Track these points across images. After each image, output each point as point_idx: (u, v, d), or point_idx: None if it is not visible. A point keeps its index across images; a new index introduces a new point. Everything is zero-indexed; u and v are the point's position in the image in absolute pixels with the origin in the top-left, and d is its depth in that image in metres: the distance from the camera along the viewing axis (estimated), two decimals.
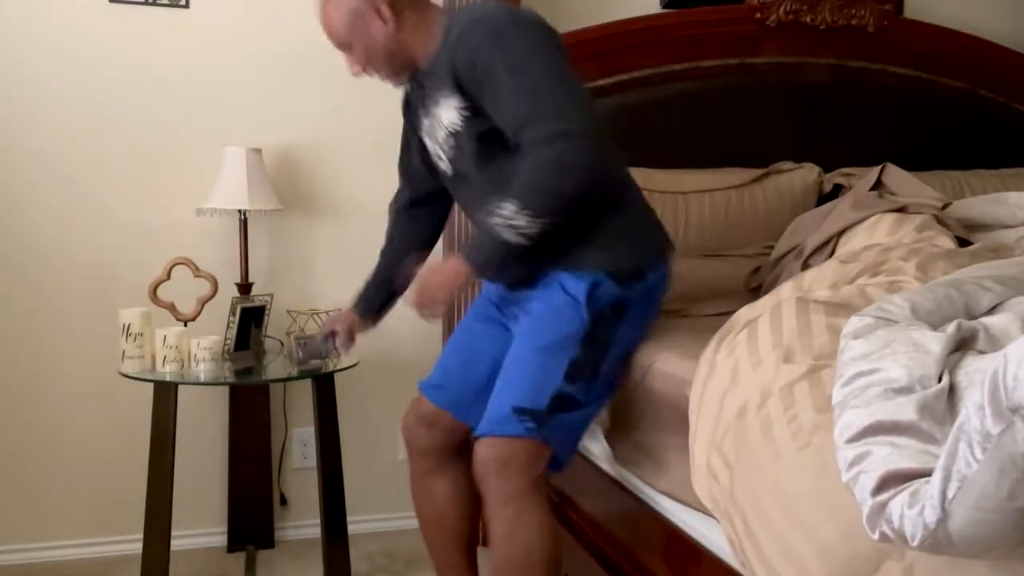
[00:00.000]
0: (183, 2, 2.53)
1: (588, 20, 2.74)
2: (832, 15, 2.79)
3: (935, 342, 1.00)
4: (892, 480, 0.86)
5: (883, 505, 0.85)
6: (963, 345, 1.04)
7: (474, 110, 1.61)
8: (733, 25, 2.75)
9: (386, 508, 2.80)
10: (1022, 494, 0.75)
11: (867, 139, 2.73)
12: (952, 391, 0.95)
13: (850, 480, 0.91)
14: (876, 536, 0.86)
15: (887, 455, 0.89)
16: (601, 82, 2.65)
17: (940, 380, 0.95)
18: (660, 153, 2.52)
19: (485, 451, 1.59)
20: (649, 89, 2.66)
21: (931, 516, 0.80)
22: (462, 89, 1.60)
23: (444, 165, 1.75)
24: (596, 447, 1.94)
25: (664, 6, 2.85)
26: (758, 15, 2.75)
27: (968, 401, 0.78)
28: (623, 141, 2.57)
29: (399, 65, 1.70)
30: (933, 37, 2.93)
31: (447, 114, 1.65)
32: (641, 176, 2.45)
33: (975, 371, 0.96)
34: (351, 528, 2.41)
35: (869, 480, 0.88)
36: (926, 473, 0.85)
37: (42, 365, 2.50)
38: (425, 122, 1.75)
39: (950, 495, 0.78)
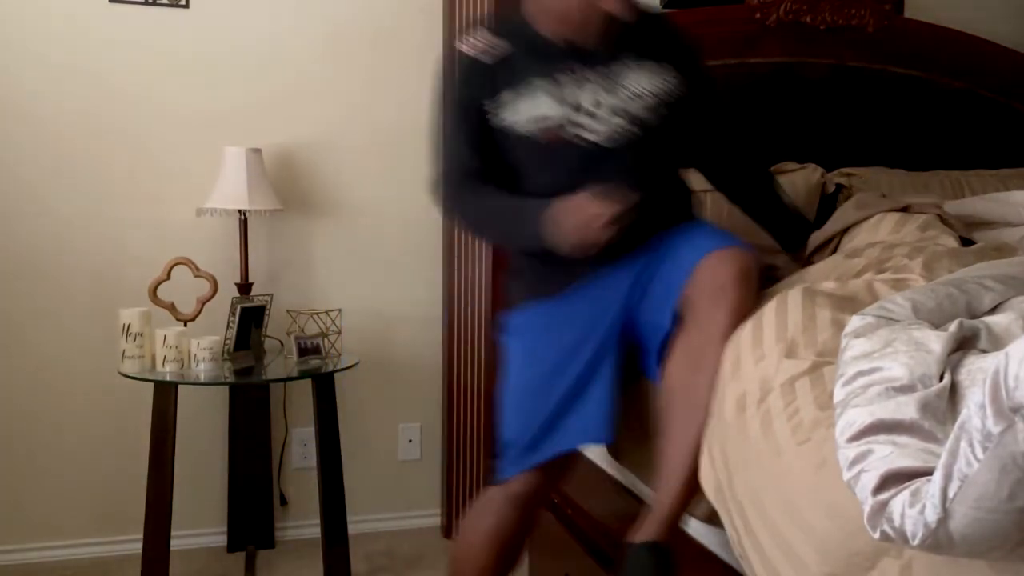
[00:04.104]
0: (183, 2, 2.53)
1: None
2: (832, 15, 2.79)
3: (936, 341, 1.00)
4: (893, 479, 0.86)
5: (884, 504, 0.85)
6: (965, 344, 1.04)
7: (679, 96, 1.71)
8: (733, 25, 2.74)
9: (386, 508, 2.80)
10: (1023, 494, 0.75)
11: (867, 139, 2.73)
12: (954, 390, 0.95)
13: (851, 479, 0.91)
14: (877, 535, 0.86)
15: (888, 454, 0.89)
16: None
17: (942, 379, 0.96)
18: None
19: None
20: None
21: (932, 515, 0.80)
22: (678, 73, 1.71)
23: (600, 131, 1.66)
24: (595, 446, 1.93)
25: (664, 6, 2.85)
26: (758, 15, 2.74)
27: (970, 400, 0.78)
28: None
29: None
30: (933, 37, 2.93)
31: (656, 82, 1.69)
32: None
33: (977, 370, 0.96)
34: (351, 528, 2.41)
35: (870, 479, 0.88)
36: (927, 472, 0.85)
37: (42, 365, 2.50)
38: (593, 83, 1.66)
39: (951, 494, 0.78)
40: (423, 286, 2.76)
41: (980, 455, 0.75)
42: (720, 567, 1.41)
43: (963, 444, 0.77)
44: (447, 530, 2.74)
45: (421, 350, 2.78)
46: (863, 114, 2.76)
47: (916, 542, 0.82)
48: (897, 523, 0.83)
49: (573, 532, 2.02)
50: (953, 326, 1.04)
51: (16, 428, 2.50)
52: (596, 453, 1.95)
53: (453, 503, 2.70)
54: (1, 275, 2.47)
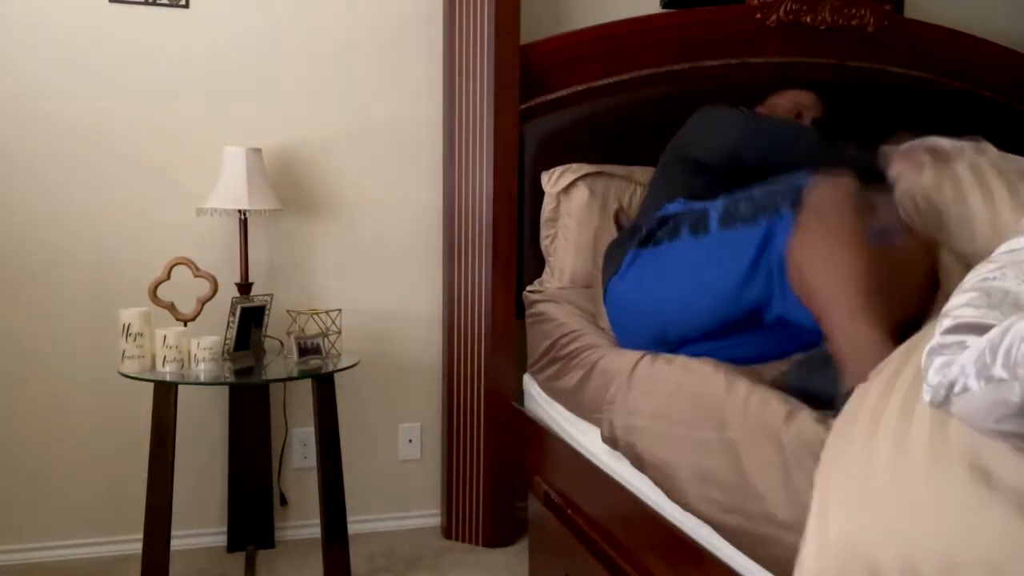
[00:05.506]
0: (183, 2, 2.54)
1: (588, 20, 2.75)
2: (832, 15, 2.79)
3: None
4: (961, 329, 1.00)
5: (937, 348, 1.00)
6: None
7: None
8: (733, 25, 2.75)
9: (386, 508, 2.80)
10: (1007, 422, 0.92)
11: (867, 139, 2.73)
12: None
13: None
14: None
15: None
16: (601, 82, 2.65)
17: None
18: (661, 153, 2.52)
19: None
20: (649, 89, 2.67)
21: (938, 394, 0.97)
22: None
23: None
24: (594, 444, 1.94)
25: (664, 6, 2.85)
26: (758, 15, 2.75)
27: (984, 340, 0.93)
28: (623, 141, 2.60)
29: None
30: (933, 37, 2.94)
31: None
32: (643, 175, 2.47)
33: None
34: (351, 528, 2.41)
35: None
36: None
37: (42, 365, 2.50)
38: None
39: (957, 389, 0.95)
40: (423, 286, 2.77)
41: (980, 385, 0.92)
42: (720, 567, 1.41)
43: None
44: (447, 530, 2.74)
45: (421, 350, 2.78)
46: (863, 114, 2.76)
47: (927, 399, 0.99)
48: (928, 379, 0.99)
49: (573, 532, 2.03)
50: None
51: (16, 428, 2.50)
52: (596, 452, 1.95)
53: (453, 503, 2.70)
54: (1, 275, 2.47)
